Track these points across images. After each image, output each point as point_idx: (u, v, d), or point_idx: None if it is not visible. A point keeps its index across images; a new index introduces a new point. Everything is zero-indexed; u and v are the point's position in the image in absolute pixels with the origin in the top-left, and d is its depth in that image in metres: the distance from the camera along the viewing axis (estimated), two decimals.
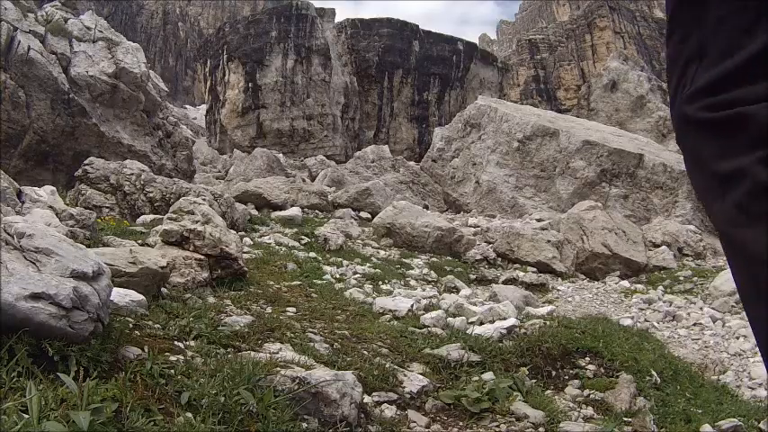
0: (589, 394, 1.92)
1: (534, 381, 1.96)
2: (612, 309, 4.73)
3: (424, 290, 3.80)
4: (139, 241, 3.21)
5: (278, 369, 1.30)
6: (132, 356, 1.22)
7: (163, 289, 2.10)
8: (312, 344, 1.82)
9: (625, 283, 5.56)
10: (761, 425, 2.01)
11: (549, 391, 1.93)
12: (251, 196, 7.56)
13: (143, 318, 1.63)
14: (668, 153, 11.13)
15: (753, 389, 3.05)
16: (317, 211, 7.84)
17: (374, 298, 2.91)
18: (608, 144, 9.42)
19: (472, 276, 5.13)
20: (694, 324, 4.30)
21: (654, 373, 2.26)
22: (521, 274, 5.32)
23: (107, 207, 5.38)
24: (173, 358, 1.32)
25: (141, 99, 10.27)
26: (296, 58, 33.38)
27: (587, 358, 2.17)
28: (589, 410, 1.81)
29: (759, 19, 0.68)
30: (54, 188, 4.60)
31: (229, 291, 2.43)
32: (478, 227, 7.48)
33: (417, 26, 36.82)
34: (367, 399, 1.45)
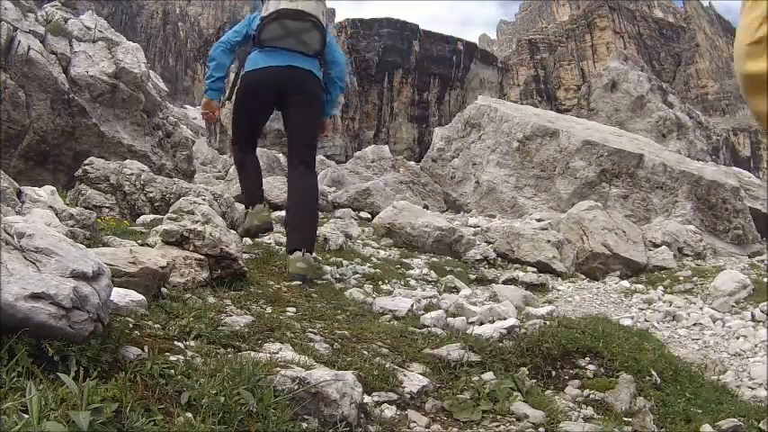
0: (589, 394, 1.92)
1: (534, 381, 1.96)
2: (612, 309, 4.73)
3: (424, 290, 3.80)
4: (139, 241, 3.21)
5: (278, 369, 1.30)
6: (132, 356, 1.22)
7: (163, 289, 2.10)
8: (312, 344, 1.82)
9: (625, 283, 5.55)
10: (761, 425, 2.01)
11: (549, 391, 1.93)
12: None
13: (143, 318, 1.63)
14: (668, 153, 11.14)
15: (753, 389, 3.06)
16: None
17: (374, 298, 2.91)
18: (608, 144, 9.42)
19: (472, 276, 5.13)
20: (694, 324, 4.30)
21: (654, 373, 2.25)
22: (521, 274, 5.31)
23: (107, 207, 5.38)
24: (173, 358, 1.32)
25: (141, 99, 10.27)
26: None
27: (587, 358, 2.17)
28: (589, 410, 1.80)
29: None
30: (54, 188, 4.60)
31: (229, 291, 2.43)
32: (478, 227, 7.47)
33: (417, 26, 36.82)
34: (367, 399, 1.45)
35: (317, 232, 3.87)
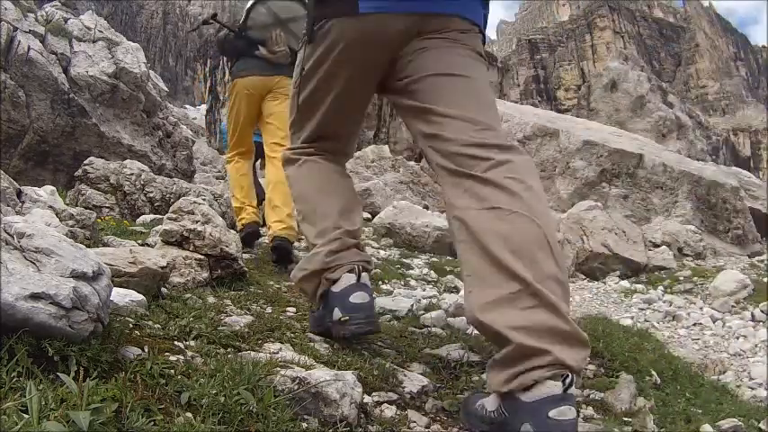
0: (589, 394, 1.92)
1: None
2: (612, 309, 4.73)
3: (424, 290, 3.80)
4: (139, 241, 3.21)
5: (278, 369, 1.30)
6: (132, 356, 1.22)
7: (163, 289, 2.10)
8: (312, 344, 1.82)
9: (625, 283, 5.55)
10: (761, 425, 2.01)
11: None
12: None
13: (143, 318, 1.62)
14: (668, 153, 11.14)
15: (753, 389, 3.05)
16: None
17: (374, 298, 2.90)
18: (608, 144, 9.42)
19: None
20: (694, 324, 4.30)
21: (654, 373, 2.25)
22: None
23: (107, 207, 5.38)
24: (173, 358, 1.32)
25: (141, 99, 10.28)
26: None
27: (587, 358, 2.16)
28: (589, 410, 1.80)
29: None
30: (54, 188, 4.60)
31: (229, 291, 2.43)
32: None
33: None
34: (367, 399, 1.45)
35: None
